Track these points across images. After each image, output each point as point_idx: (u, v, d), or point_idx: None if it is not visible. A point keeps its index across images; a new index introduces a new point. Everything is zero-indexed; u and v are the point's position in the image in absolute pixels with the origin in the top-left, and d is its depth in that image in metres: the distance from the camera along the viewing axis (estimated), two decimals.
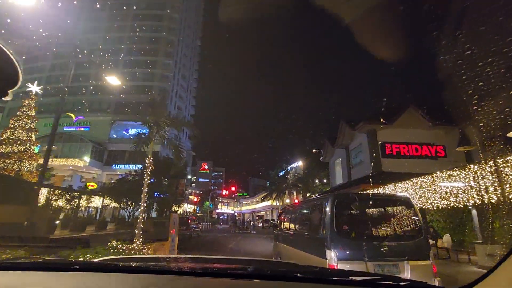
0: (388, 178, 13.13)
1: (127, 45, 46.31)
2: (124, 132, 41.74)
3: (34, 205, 10.80)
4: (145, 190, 7.71)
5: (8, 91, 0.47)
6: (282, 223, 7.15)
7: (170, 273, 0.84)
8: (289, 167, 46.10)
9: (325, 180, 32.45)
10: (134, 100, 43.88)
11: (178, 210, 22.73)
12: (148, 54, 45.95)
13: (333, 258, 3.49)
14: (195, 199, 51.28)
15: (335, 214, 3.79)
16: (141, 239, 7.14)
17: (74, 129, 39.42)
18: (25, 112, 21.33)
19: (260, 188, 66.44)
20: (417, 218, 3.98)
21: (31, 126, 21.47)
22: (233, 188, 69.43)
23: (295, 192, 39.05)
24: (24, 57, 46.13)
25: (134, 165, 31.06)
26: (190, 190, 57.42)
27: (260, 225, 41.84)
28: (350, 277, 0.95)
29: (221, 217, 67.14)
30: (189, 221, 17.45)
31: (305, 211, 5.69)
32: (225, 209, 73.07)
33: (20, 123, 21.03)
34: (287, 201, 39.40)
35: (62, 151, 36.13)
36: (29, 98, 21.88)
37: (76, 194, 15.85)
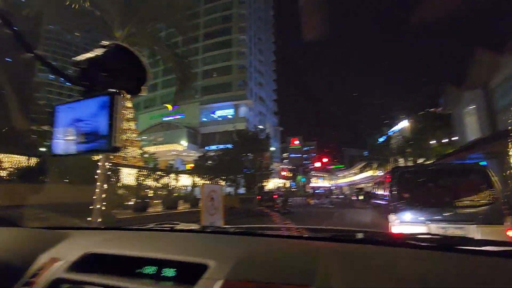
0: None
1: (202, 29, 47.29)
2: (211, 114, 43.59)
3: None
4: None
5: (142, 88, 0.58)
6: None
7: (289, 238, 0.98)
8: (391, 131, 38.78)
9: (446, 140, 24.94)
10: (216, 82, 45.11)
11: (265, 186, 21.34)
12: (222, 34, 45.81)
13: (395, 221, 3.80)
14: (285, 174, 50.22)
15: (398, 183, 4.19)
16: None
17: (172, 118, 43.43)
18: (123, 104, 23.62)
19: (357, 158, 59.91)
20: (492, 185, 3.81)
21: (129, 116, 23.67)
22: (325, 159, 65.14)
23: (402, 159, 32.52)
24: None
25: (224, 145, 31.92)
26: (280, 166, 56.90)
27: (354, 198, 36.69)
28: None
29: (316, 191, 64.70)
30: (275, 196, 15.64)
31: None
32: (320, 183, 70.02)
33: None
34: None
35: (164, 139, 40.44)
36: None
37: (163, 174, 16.13)
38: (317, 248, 0.81)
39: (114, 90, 0.55)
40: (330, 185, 69.76)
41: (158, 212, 13.83)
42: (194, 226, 1.31)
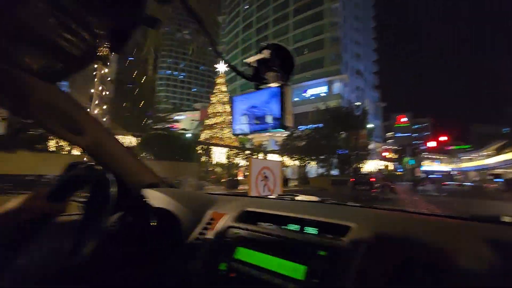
0: None
1: (291, 5, 45.46)
2: (303, 94, 42.24)
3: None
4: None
5: (290, 77, 0.69)
6: None
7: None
8: None
9: None
10: (308, 59, 43.06)
11: (362, 167, 19.16)
12: (312, 5, 42.79)
13: None
14: (387, 155, 44.25)
15: None
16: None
17: None
18: (218, 88, 25.44)
19: (491, 137, 46.85)
20: None
21: (225, 99, 25.37)
22: (442, 138, 53.43)
23: None
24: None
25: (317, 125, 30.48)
26: (383, 147, 50.60)
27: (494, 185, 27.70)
28: None
29: (431, 176, 54.87)
30: (373, 179, 13.59)
31: None
32: (435, 166, 58.88)
33: (217, 99, 25.37)
34: None
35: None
36: (218, 76, 25.84)
37: (252, 153, 16.53)
38: (454, 225, 0.80)
39: (283, 82, 0.67)
40: (450, 169, 57.63)
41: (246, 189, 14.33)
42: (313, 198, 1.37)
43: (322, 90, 40.89)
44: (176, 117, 56.06)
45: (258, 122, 0.71)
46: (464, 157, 56.98)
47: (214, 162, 14.96)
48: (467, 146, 61.43)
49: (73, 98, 0.97)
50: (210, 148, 15.08)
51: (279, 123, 0.65)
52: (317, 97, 40.75)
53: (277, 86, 0.66)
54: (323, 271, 0.70)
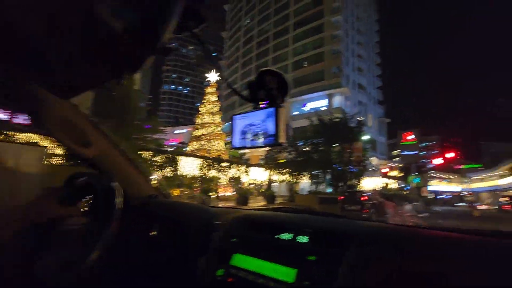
0: None
1: (292, 18, 45.14)
2: (302, 108, 40.83)
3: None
4: None
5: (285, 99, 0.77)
6: None
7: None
8: None
9: None
10: (307, 72, 41.99)
11: (358, 184, 17.22)
12: (313, 19, 42.22)
13: None
14: (387, 171, 41.82)
15: None
16: None
17: None
18: (208, 98, 24.19)
19: (505, 155, 44.10)
20: None
21: (214, 110, 24.05)
22: (449, 155, 50.58)
23: None
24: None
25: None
26: (388, 164, 48.16)
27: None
28: None
29: (439, 196, 51.84)
30: (365, 198, 11.67)
31: None
32: (444, 186, 55.76)
33: (206, 109, 24.07)
34: None
35: None
36: (209, 86, 24.68)
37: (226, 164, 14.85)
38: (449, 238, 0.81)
39: (278, 103, 0.75)
40: (460, 189, 54.37)
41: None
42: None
43: (322, 103, 39.40)
44: (177, 131, 55.27)
45: (255, 138, 0.79)
46: (475, 177, 53.82)
47: (184, 174, 13.40)
48: (478, 165, 58.27)
49: (83, 112, 1.05)
50: (176, 159, 13.46)
51: (274, 139, 0.73)
52: (317, 111, 39.29)
53: (273, 107, 0.73)
54: (313, 274, 0.75)
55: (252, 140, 0.79)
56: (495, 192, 44.04)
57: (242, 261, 0.90)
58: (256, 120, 0.79)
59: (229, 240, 0.99)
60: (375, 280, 0.69)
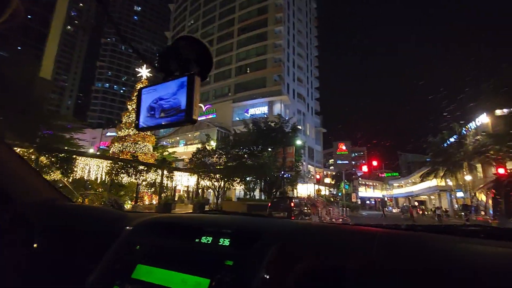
0: None
1: (236, 24, 44.95)
2: (245, 113, 40.45)
3: None
4: None
5: (207, 75, 0.68)
6: None
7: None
8: (463, 130, 30.43)
9: None
10: (250, 78, 41.98)
11: (292, 191, 16.92)
12: (257, 27, 42.66)
13: None
14: (319, 178, 44.16)
15: None
16: None
17: (204, 118, 41.50)
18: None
19: (416, 165, 50.64)
20: None
21: None
22: (374, 163, 56.46)
23: (480, 164, 24.80)
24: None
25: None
26: (324, 171, 50.90)
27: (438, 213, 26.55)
28: None
29: (367, 201, 56.65)
30: (293, 204, 11.20)
31: None
32: (370, 192, 61.48)
33: (134, 107, 21.44)
34: (469, 178, 25.61)
35: (194, 138, 38.55)
36: (140, 82, 22.20)
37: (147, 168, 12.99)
38: (365, 231, 0.82)
39: (192, 72, 0.64)
40: (382, 195, 60.62)
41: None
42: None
43: (263, 110, 39.61)
44: (110, 133, 49.21)
45: (164, 115, 0.66)
46: (395, 184, 60.72)
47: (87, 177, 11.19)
48: (395, 174, 66.09)
49: None
50: (75, 159, 11.16)
51: (184, 115, 0.61)
52: (260, 117, 39.28)
53: (185, 75, 0.62)
54: (228, 282, 0.69)
55: (161, 117, 0.65)
56: (411, 197, 50.22)
57: (145, 273, 0.77)
58: (167, 94, 0.66)
59: (131, 249, 0.84)
60: (292, 279, 0.65)
